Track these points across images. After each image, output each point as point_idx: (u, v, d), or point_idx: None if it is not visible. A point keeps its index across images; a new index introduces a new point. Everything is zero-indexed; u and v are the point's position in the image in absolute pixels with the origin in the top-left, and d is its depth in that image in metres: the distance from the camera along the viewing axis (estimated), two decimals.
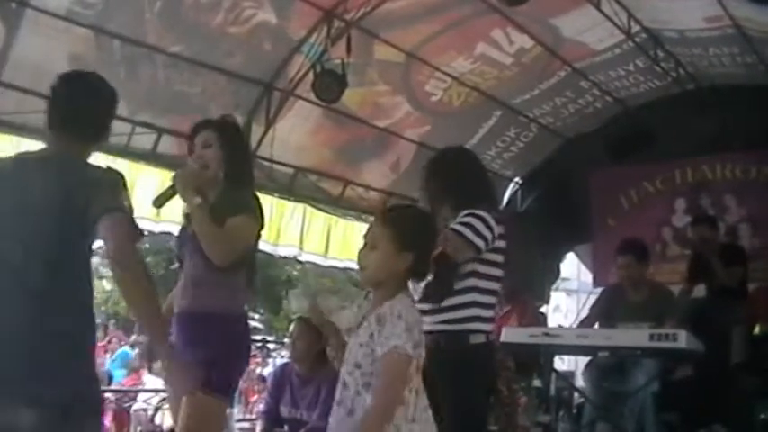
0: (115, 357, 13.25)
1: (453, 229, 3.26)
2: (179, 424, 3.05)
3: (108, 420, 9.34)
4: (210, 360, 2.98)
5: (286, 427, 4.88)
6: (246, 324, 3.30)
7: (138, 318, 2.92)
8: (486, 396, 3.68)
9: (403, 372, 2.42)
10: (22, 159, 2.68)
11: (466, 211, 3.32)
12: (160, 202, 3.25)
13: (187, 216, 3.28)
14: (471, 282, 3.29)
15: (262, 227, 3.22)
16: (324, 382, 4.45)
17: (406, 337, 2.41)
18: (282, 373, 5.06)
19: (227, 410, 3.29)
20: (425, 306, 3.13)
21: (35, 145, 5.54)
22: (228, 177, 3.22)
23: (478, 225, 3.27)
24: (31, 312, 2.36)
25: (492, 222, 3.32)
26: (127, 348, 13.47)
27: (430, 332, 3.01)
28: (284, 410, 4.85)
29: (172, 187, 3.16)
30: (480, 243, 3.27)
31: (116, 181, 2.55)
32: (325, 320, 2.97)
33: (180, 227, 3.45)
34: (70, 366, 2.38)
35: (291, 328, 5.08)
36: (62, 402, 2.32)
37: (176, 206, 3.41)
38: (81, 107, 2.63)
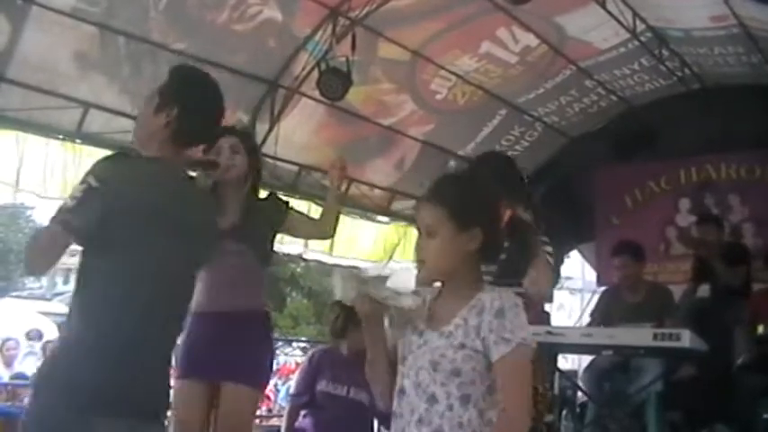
0: None
1: (548, 261, 3.25)
2: (220, 418, 3.20)
3: None
4: (247, 355, 3.16)
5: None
6: (271, 319, 3.55)
7: None
8: None
9: (530, 367, 2.06)
10: (163, 169, 2.44)
11: (545, 238, 3.36)
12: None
13: None
14: None
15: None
16: None
17: (528, 329, 2.07)
18: (323, 355, 5.01)
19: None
20: None
21: (39, 141, 5.67)
22: (254, 183, 3.43)
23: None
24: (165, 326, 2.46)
25: None
26: None
27: None
28: (322, 385, 4.78)
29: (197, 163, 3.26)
30: None
31: None
32: (377, 308, 2.18)
33: None
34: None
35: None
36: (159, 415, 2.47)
37: None
38: (212, 128, 2.58)
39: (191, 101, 2.41)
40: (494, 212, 2.21)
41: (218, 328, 3.24)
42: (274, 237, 3.45)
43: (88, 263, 2.30)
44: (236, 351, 3.16)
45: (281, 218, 3.41)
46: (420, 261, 2.16)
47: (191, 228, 2.40)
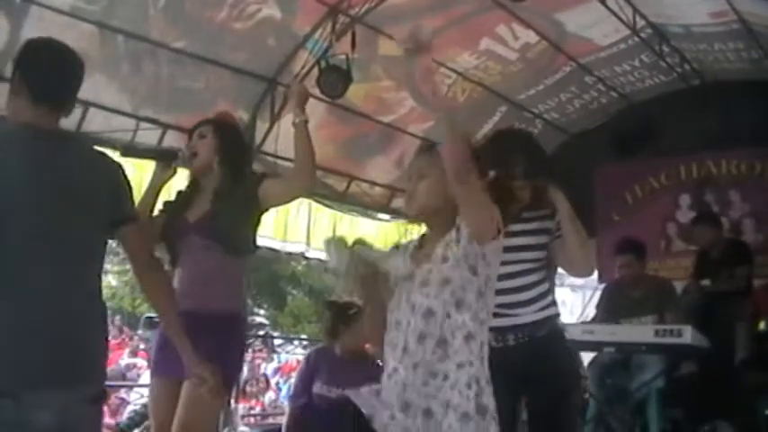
0: None
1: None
2: (177, 417, 3.06)
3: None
4: (219, 357, 3.01)
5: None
6: (244, 322, 3.40)
7: (164, 316, 2.85)
8: None
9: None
10: (34, 132, 2.35)
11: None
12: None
13: (178, 205, 3.33)
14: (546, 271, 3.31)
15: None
16: (371, 370, 4.12)
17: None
18: (318, 355, 4.98)
19: (233, 407, 3.32)
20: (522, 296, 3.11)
21: None
22: (226, 166, 3.30)
23: None
24: (69, 294, 2.28)
25: None
26: None
27: (533, 322, 3.08)
28: (317, 386, 4.74)
29: (154, 152, 3.45)
30: None
31: (129, 181, 2.55)
32: (370, 270, 2.44)
33: (168, 218, 3.32)
34: (100, 351, 2.36)
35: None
36: (98, 386, 2.32)
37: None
38: (65, 77, 2.47)
39: (26, 58, 2.41)
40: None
41: (187, 327, 3.06)
42: (252, 220, 3.28)
43: None
44: (201, 352, 2.96)
45: (253, 192, 3.23)
46: (411, 198, 2.43)
47: (67, 190, 2.29)
